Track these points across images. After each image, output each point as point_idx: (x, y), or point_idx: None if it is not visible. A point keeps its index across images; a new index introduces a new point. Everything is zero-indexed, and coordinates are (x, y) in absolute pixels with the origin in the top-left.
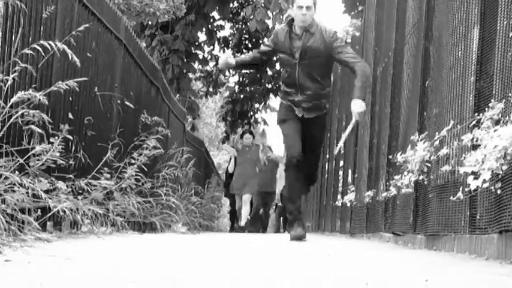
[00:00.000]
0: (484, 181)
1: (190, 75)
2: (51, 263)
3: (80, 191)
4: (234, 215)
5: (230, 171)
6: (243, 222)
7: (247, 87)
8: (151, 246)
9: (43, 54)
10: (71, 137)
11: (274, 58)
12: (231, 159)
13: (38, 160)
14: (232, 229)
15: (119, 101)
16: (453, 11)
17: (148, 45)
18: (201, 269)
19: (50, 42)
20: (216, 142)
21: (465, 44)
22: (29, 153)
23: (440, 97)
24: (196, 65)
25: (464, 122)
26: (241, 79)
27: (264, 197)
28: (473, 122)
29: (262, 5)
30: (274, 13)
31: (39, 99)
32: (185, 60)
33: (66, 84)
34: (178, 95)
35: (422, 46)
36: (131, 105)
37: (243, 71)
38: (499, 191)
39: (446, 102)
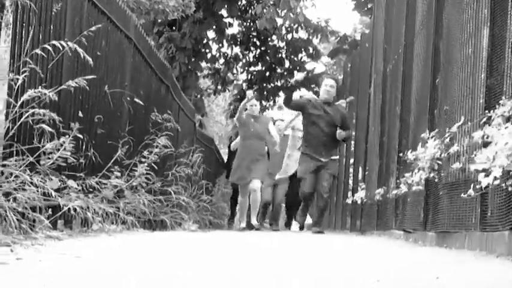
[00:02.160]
0: (495, 178)
1: (198, 73)
2: (62, 261)
3: (91, 189)
4: (236, 203)
5: (233, 148)
6: (253, 220)
7: (256, 85)
8: (161, 244)
9: (53, 54)
10: (81, 136)
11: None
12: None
13: (49, 159)
14: (232, 220)
15: (128, 98)
16: (463, 7)
17: (156, 42)
18: (207, 266)
19: (61, 42)
20: (226, 140)
21: (475, 40)
22: (39, 151)
23: (450, 94)
24: (204, 63)
25: (474, 119)
26: (249, 77)
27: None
28: (484, 119)
29: (271, 2)
30: (283, 12)
31: (50, 98)
32: (192, 58)
33: (76, 83)
34: (184, 94)
35: (432, 43)
36: (141, 103)
37: (251, 69)
38: (510, 188)
39: (456, 99)
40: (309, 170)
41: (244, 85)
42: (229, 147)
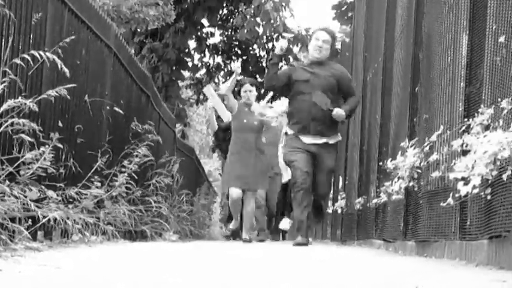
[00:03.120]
0: (474, 187)
1: (180, 82)
2: (42, 272)
3: (71, 200)
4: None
5: (220, 125)
6: (245, 235)
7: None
8: (143, 255)
9: (31, 63)
10: (61, 146)
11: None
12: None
13: (29, 169)
14: (228, 222)
15: (108, 108)
16: (442, 16)
17: (137, 53)
18: (195, 274)
19: (40, 52)
20: (207, 150)
21: (454, 49)
22: (19, 162)
23: (430, 103)
24: (186, 73)
25: (454, 127)
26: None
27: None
28: (463, 128)
29: (252, 13)
30: (263, 22)
31: (30, 108)
32: (174, 67)
33: (56, 92)
34: (166, 103)
35: (411, 51)
36: (121, 112)
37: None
38: (489, 197)
39: (436, 107)
40: (298, 150)
41: None
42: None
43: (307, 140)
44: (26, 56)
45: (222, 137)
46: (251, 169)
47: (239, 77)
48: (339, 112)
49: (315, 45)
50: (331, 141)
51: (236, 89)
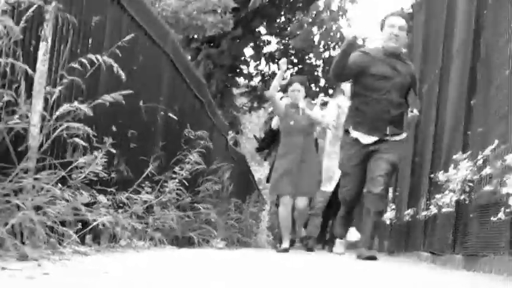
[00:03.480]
0: None
1: (234, 90)
2: (88, 277)
3: (121, 205)
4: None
5: (274, 127)
6: (301, 233)
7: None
8: (189, 262)
9: (89, 67)
10: (114, 150)
11: None
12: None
13: (81, 173)
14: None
15: (162, 113)
16: (502, 29)
17: (193, 59)
18: (240, 280)
19: (97, 56)
20: (258, 157)
21: None
22: (71, 166)
23: (485, 116)
24: (241, 80)
25: (508, 142)
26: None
27: None
28: None
29: (309, 20)
30: (320, 31)
31: (84, 112)
32: (229, 75)
33: (113, 97)
34: (220, 110)
35: (469, 64)
36: (174, 117)
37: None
38: None
39: (491, 121)
40: (353, 161)
41: None
42: (268, 132)
43: (367, 139)
44: (83, 59)
45: (270, 140)
46: (299, 174)
47: (285, 75)
48: (414, 114)
49: (391, 33)
50: (397, 138)
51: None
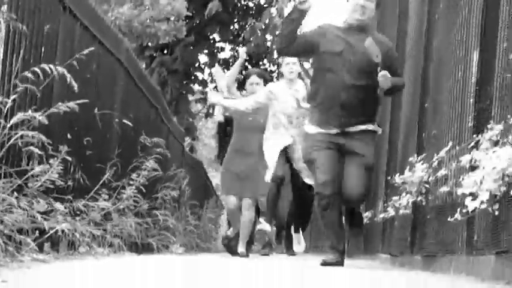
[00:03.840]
0: (482, 202)
1: (190, 96)
2: (49, 284)
3: (78, 212)
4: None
5: (218, 119)
6: (240, 248)
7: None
8: (151, 267)
9: (42, 77)
10: (69, 158)
11: None
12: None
13: (37, 181)
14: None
15: (117, 120)
16: (453, 31)
17: (147, 67)
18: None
19: (51, 65)
20: (215, 164)
21: (465, 65)
22: (28, 175)
23: (439, 118)
24: (195, 87)
25: (463, 143)
26: None
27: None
28: (472, 143)
29: (262, 27)
30: (272, 37)
31: (39, 121)
32: (184, 82)
33: (67, 107)
34: (175, 117)
35: (421, 66)
36: (130, 124)
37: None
38: (496, 213)
39: (445, 123)
40: (321, 147)
41: None
42: (219, 132)
43: (333, 131)
44: (36, 69)
45: (223, 132)
46: (251, 174)
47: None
48: (387, 76)
49: (356, 4)
50: (370, 128)
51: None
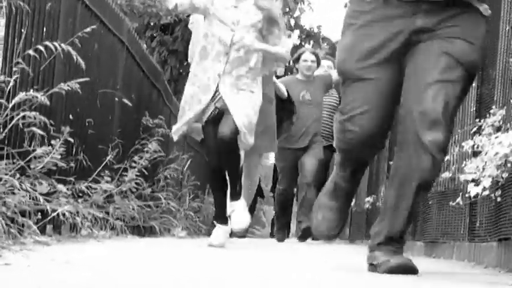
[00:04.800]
0: (484, 188)
1: None
2: (51, 267)
3: (80, 194)
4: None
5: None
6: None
7: None
8: (154, 250)
9: (45, 55)
10: (72, 139)
11: None
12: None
13: (39, 162)
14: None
15: (116, 99)
16: None
17: (148, 46)
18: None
19: (54, 43)
20: None
21: None
22: (30, 156)
23: None
24: None
25: (465, 128)
26: None
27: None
28: (475, 129)
29: None
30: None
31: (41, 101)
32: (184, 62)
33: (69, 86)
34: (175, 97)
35: None
36: (130, 104)
37: None
38: (499, 199)
39: None
40: None
41: None
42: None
43: None
44: (39, 47)
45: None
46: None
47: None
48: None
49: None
50: None
51: None
